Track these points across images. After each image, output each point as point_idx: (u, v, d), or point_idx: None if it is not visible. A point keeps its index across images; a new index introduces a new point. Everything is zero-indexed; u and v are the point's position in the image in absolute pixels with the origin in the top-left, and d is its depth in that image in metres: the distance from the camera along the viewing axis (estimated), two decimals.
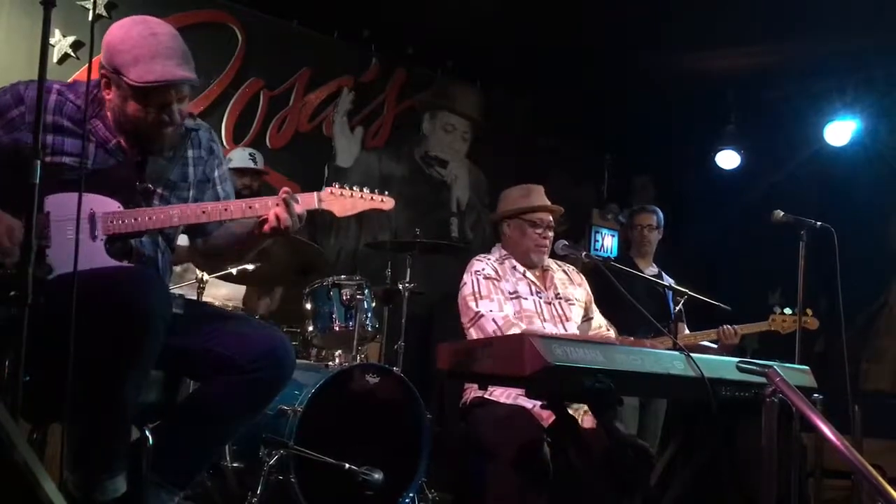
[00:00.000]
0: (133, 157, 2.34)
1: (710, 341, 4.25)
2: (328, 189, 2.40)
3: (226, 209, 2.33)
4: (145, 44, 2.19)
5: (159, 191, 2.38)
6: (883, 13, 4.84)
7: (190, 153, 2.47)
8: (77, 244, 1.90)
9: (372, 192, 2.47)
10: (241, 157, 4.57)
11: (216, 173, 2.53)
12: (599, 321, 3.56)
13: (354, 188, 2.43)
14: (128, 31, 2.22)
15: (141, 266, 2.34)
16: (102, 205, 2.25)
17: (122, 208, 2.27)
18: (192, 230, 2.56)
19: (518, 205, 3.49)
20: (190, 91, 2.33)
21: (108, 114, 2.30)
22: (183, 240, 2.76)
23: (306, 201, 2.37)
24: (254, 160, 4.60)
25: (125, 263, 2.28)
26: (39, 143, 1.78)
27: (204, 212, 2.31)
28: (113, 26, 2.26)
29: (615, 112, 6.38)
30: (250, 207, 2.35)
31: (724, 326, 4.18)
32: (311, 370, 3.63)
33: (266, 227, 2.33)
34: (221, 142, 5.07)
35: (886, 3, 4.75)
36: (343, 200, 2.40)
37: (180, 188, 2.44)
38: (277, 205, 2.31)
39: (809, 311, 4.05)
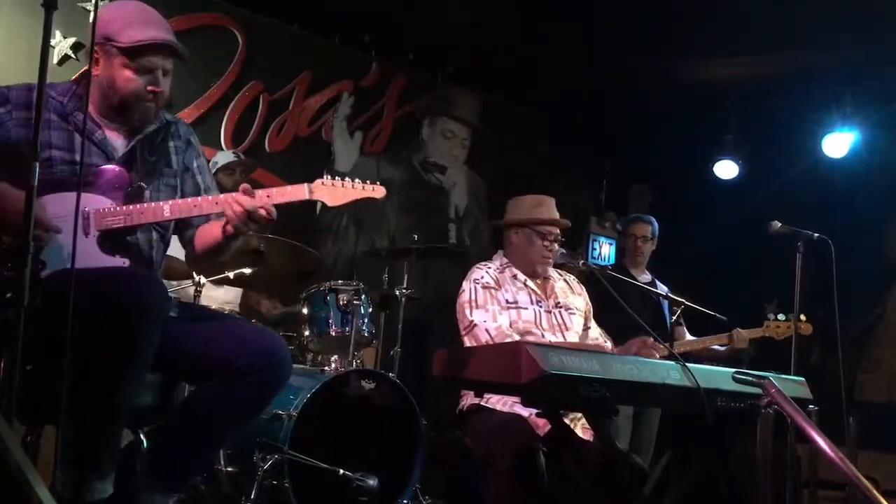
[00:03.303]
0: (119, 146, 2.39)
1: (720, 345, 4.30)
2: (319, 180, 2.42)
3: (216, 202, 2.36)
4: (137, 13, 2.34)
5: (149, 184, 2.42)
6: (881, 25, 4.86)
7: (171, 144, 2.53)
8: (75, 241, 1.90)
9: (363, 181, 2.50)
10: (225, 155, 4.62)
11: (195, 164, 2.58)
12: (596, 332, 3.55)
13: (346, 179, 2.46)
14: (120, 7, 2.38)
15: (139, 267, 2.36)
16: (95, 203, 2.29)
17: (114, 206, 2.30)
18: (180, 224, 2.57)
19: (530, 214, 3.48)
20: (172, 69, 2.39)
21: (92, 101, 2.36)
22: (179, 252, 2.78)
23: (296, 192, 2.39)
24: (238, 156, 4.66)
25: (118, 258, 2.30)
26: (38, 146, 1.78)
27: (196, 206, 2.35)
28: (105, 6, 2.41)
29: (614, 120, 6.39)
30: None
31: (736, 330, 4.22)
32: (307, 375, 3.62)
33: (226, 227, 2.35)
34: (220, 145, 5.08)
35: (885, 16, 4.77)
36: (334, 190, 2.43)
37: (166, 175, 2.49)
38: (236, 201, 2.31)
39: (804, 317, 4.06)
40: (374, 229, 5.87)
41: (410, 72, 6.05)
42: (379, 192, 2.50)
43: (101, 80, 2.34)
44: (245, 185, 2.35)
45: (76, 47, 4.53)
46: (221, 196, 2.38)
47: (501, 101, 6.55)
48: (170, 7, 4.84)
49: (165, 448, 2.33)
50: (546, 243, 3.43)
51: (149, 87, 2.33)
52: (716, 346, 4.30)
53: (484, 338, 3.17)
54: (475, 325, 3.21)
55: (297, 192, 2.38)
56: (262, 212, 2.30)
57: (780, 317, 4.24)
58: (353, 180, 2.46)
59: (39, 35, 1.82)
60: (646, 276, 4.75)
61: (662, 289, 4.51)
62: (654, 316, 4.40)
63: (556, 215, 3.51)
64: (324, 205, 2.44)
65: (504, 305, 3.31)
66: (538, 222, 3.45)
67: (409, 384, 3.70)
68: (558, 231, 3.48)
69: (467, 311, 3.27)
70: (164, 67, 2.36)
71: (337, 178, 2.44)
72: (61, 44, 4.50)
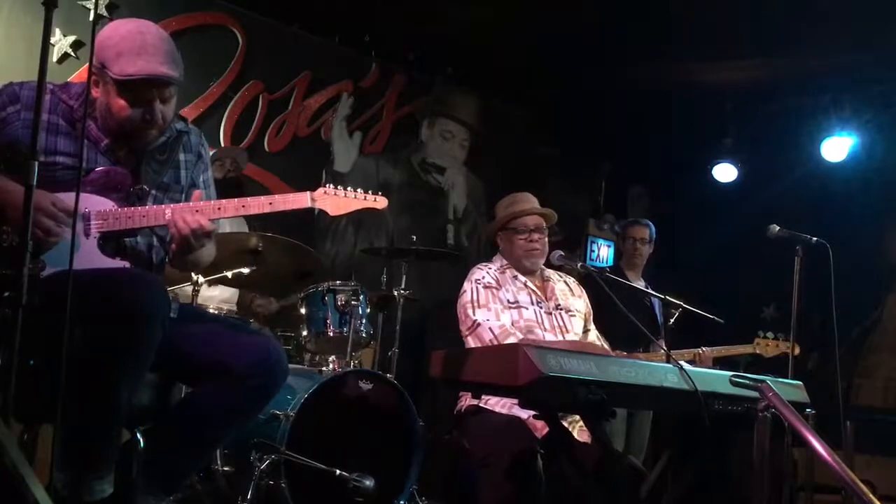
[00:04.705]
0: (123, 157, 2.36)
1: (688, 361, 4.25)
2: (321, 189, 2.42)
3: (219, 207, 2.33)
4: (131, 40, 2.21)
5: (153, 192, 2.40)
6: (881, 30, 4.87)
7: (182, 157, 2.49)
8: (73, 242, 1.90)
9: (365, 191, 2.50)
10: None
11: (202, 178, 2.56)
12: (594, 336, 3.56)
13: (349, 188, 2.46)
14: (116, 29, 2.26)
15: (139, 269, 2.35)
16: (96, 204, 2.27)
17: (116, 207, 2.28)
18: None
19: (502, 214, 3.53)
20: (175, 94, 2.33)
21: (100, 113, 2.32)
22: None
23: (298, 200, 2.38)
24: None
25: (118, 261, 2.28)
26: (37, 144, 1.77)
27: (198, 210, 2.31)
28: (105, 26, 2.29)
29: (613, 122, 6.39)
30: (243, 206, 2.36)
31: (700, 350, 4.18)
32: (305, 375, 3.61)
33: (173, 244, 2.31)
34: (220, 144, 5.07)
35: (884, 20, 4.77)
36: (336, 199, 2.43)
37: (173, 190, 2.46)
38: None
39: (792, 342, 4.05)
40: (373, 230, 5.86)
41: (410, 72, 6.04)
42: (381, 202, 2.50)
43: (99, 103, 2.29)
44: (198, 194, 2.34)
45: (76, 45, 4.52)
46: (224, 200, 2.37)
47: (500, 102, 6.55)
48: (171, 6, 4.86)
49: (162, 448, 2.32)
50: (523, 237, 3.43)
51: (146, 117, 2.26)
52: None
53: (488, 337, 3.18)
54: (479, 324, 3.22)
55: (299, 200, 2.38)
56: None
57: (769, 335, 4.22)
58: (355, 190, 2.46)
59: (39, 33, 1.81)
60: (640, 283, 4.75)
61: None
62: (647, 320, 4.39)
63: (527, 207, 3.50)
64: None
65: (506, 305, 3.31)
66: (510, 217, 3.48)
67: (407, 385, 3.70)
68: (541, 223, 3.47)
69: (470, 311, 3.27)
70: (161, 97, 2.27)
71: (339, 187, 2.44)
72: (61, 42, 4.49)
